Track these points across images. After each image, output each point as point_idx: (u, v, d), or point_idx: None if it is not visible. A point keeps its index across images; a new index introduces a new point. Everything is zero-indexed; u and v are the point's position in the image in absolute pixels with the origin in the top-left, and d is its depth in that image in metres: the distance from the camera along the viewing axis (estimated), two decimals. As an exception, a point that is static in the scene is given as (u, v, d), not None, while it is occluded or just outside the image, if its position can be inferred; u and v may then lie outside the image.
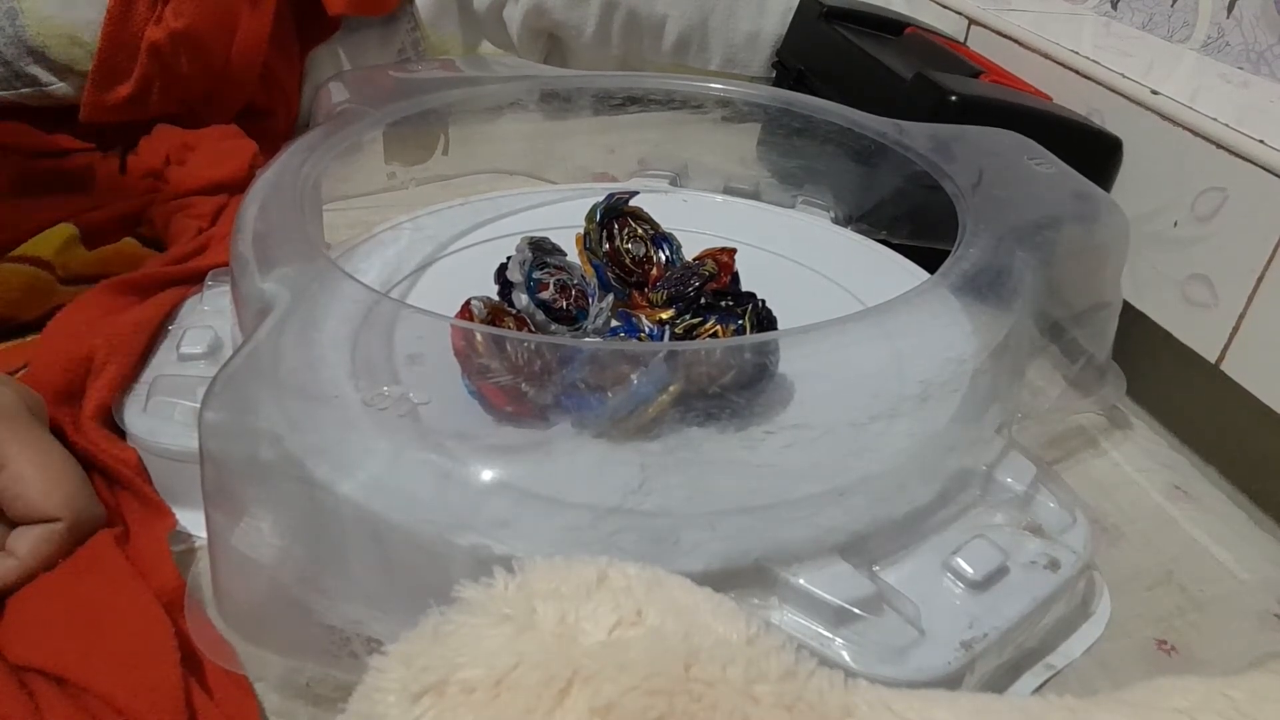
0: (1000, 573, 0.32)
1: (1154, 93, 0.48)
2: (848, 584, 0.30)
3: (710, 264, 0.42)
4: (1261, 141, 0.42)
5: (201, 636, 0.30)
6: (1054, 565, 0.33)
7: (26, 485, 0.33)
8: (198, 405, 0.30)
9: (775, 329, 0.39)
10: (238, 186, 0.54)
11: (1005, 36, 0.60)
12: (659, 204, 0.48)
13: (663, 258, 0.46)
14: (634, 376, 0.32)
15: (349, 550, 0.30)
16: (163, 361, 0.41)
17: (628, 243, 0.45)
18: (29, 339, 0.45)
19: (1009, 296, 0.38)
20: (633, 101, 0.58)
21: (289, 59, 0.65)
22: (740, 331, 0.39)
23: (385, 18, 0.69)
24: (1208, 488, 0.45)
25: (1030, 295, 0.39)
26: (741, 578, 0.30)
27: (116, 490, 0.36)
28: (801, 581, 0.30)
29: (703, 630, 0.23)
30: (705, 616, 0.23)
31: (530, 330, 0.40)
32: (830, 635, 0.29)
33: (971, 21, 0.63)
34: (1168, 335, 0.47)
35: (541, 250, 0.42)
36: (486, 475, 0.31)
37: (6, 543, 0.33)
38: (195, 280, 0.46)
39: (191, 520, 0.36)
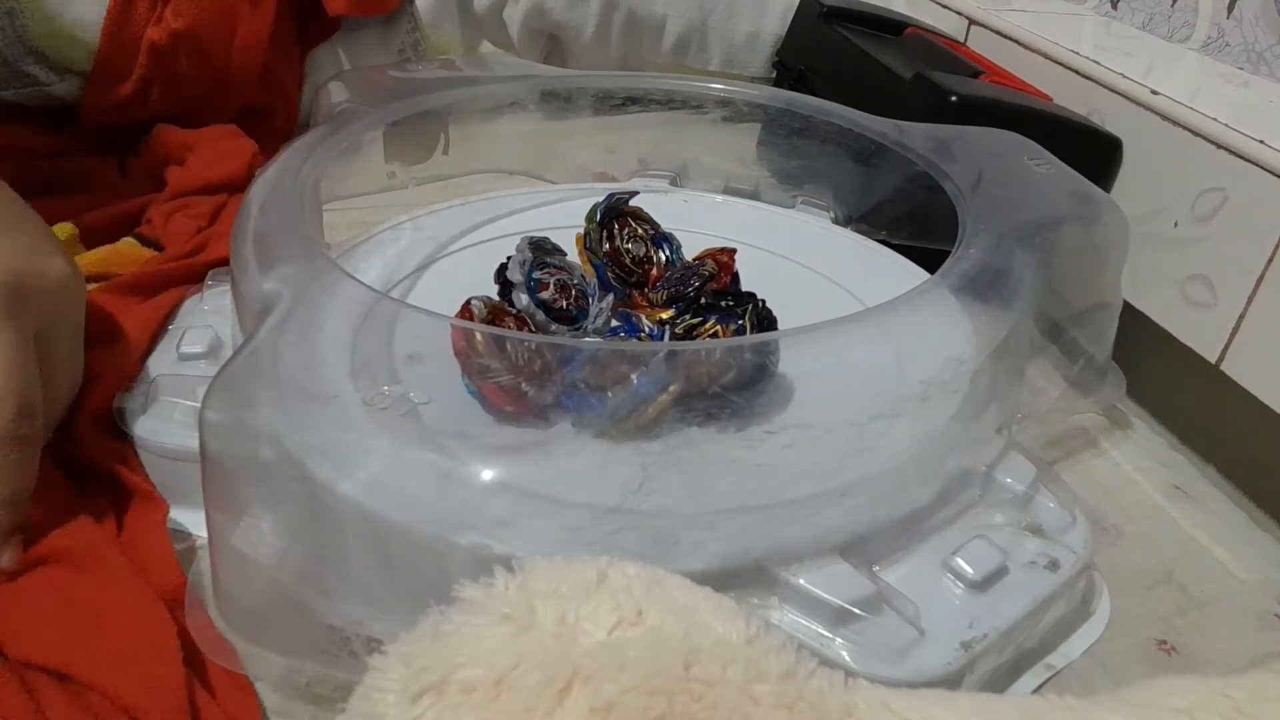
0: (1000, 573, 0.32)
1: (1154, 93, 0.48)
2: (848, 584, 0.30)
3: (710, 264, 0.42)
4: (1261, 141, 0.42)
5: (202, 635, 0.30)
6: (1054, 565, 0.33)
7: None
8: (198, 405, 0.30)
9: (775, 329, 0.39)
10: (237, 186, 0.54)
11: (1005, 36, 0.60)
12: (659, 204, 0.48)
13: (663, 258, 0.46)
14: (634, 376, 0.32)
15: (349, 550, 0.30)
16: (163, 361, 0.41)
17: (628, 243, 0.45)
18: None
19: (1009, 296, 0.38)
20: (633, 101, 0.58)
21: (289, 59, 0.65)
22: (740, 331, 0.39)
23: (385, 18, 0.69)
24: (1208, 488, 0.45)
25: (1030, 295, 0.39)
26: (741, 578, 0.30)
27: (111, 485, 0.36)
28: (801, 581, 0.30)
29: (702, 630, 0.23)
30: (705, 616, 0.23)
31: (530, 330, 0.40)
32: (830, 635, 0.29)
33: (971, 21, 0.63)
34: (1168, 335, 0.47)
35: (541, 250, 0.42)
36: (486, 475, 0.31)
37: None
38: (195, 278, 0.46)
39: (192, 519, 0.36)
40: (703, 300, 0.41)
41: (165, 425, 0.37)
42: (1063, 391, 0.45)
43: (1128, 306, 0.48)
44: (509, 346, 0.33)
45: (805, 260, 0.51)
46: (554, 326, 0.40)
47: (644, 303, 0.44)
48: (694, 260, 0.44)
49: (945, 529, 0.34)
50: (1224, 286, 0.44)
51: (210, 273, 0.46)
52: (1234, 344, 0.44)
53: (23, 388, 0.32)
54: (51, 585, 0.32)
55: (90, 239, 0.50)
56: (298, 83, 0.67)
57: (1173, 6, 0.61)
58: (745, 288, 0.42)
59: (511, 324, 0.39)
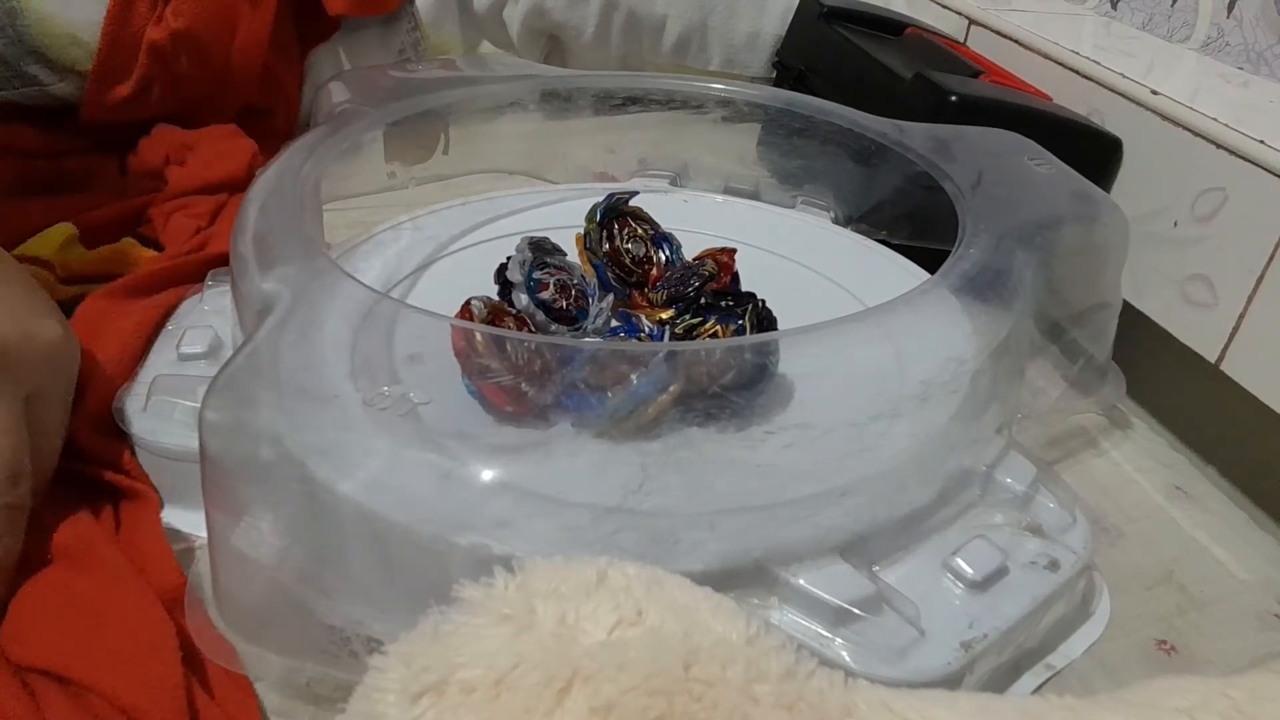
0: (1000, 573, 0.32)
1: (1154, 93, 0.48)
2: (848, 584, 0.30)
3: (710, 264, 0.42)
4: (1261, 141, 0.42)
5: (201, 636, 0.30)
6: (1054, 565, 0.33)
7: None
8: (198, 405, 0.30)
9: (775, 329, 0.39)
10: (237, 186, 0.54)
11: (1005, 36, 0.60)
12: (659, 204, 0.48)
13: (663, 258, 0.46)
14: (634, 376, 0.32)
15: (349, 550, 0.30)
16: (162, 361, 0.41)
17: (628, 243, 0.45)
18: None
19: (1009, 296, 0.38)
20: (633, 101, 0.58)
21: (289, 59, 0.65)
22: (740, 331, 0.39)
23: (385, 18, 0.69)
24: (1208, 488, 0.45)
25: (1030, 295, 0.39)
26: (741, 578, 0.30)
27: (108, 485, 0.36)
28: (801, 581, 0.30)
29: (702, 630, 0.23)
30: (705, 616, 0.23)
31: (530, 330, 0.40)
32: (830, 635, 0.29)
33: (971, 21, 0.63)
34: (1168, 335, 0.47)
35: (541, 250, 0.42)
36: (486, 475, 0.31)
37: None
38: (194, 276, 0.46)
39: (191, 520, 0.36)
40: (703, 300, 0.41)
41: (165, 425, 0.37)
42: (1063, 391, 0.45)
43: (1128, 306, 0.48)
44: (509, 346, 0.33)
45: (805, 260, 0.51)
46: (554, 326, 0.40)
47: (644, 303, 0.44)
48: (694, 260, 0.44)
49: (945, 529, 0.34)
50: (1224, 286, 0.44)
51: (210, 273, 0.46)
52: (1234, 344, 0.44)
53: (10, 455, 0.31)
54: (51, 586, 0.32)
55: (90, 239, 0.50)
56: (298, 83, 0.67)
57: (1173, 6, 0.61)
58: (745, 288, 0.42)
59: (511, 324, 0.39)
